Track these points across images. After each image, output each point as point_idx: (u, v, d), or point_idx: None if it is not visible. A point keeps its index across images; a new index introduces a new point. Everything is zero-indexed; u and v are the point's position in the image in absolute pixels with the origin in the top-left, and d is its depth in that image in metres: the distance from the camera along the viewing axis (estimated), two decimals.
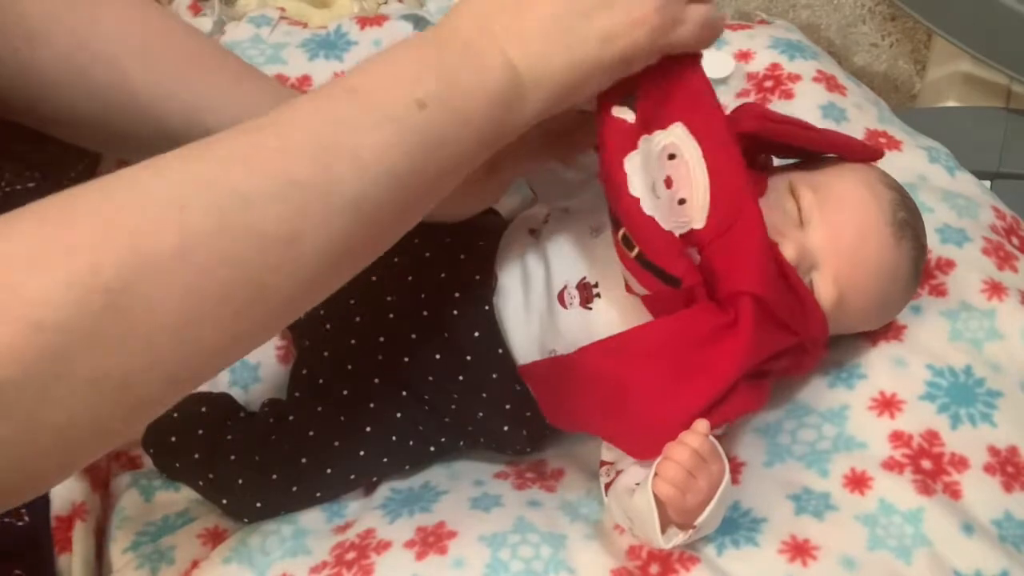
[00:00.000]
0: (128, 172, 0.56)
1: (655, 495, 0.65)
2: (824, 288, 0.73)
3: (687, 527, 0.66)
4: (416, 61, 0.60)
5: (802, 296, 0.71)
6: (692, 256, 0.68)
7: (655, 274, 0.67)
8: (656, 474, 0.65)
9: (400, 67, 0.60)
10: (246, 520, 0.76)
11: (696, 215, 0.67)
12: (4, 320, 0.47)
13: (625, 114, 0.66)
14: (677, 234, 0.67)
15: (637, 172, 0.67)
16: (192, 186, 0.53)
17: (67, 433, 0.50)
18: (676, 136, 0.67)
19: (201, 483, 0.77)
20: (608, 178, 0.67)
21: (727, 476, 0.66)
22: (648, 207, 0.66)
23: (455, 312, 0.75)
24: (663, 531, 0.66)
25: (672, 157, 0.68)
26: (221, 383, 0.83)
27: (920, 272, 0.77)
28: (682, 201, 0.68)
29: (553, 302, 0.74)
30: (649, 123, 0.67)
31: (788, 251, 0.71)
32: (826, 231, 0.72)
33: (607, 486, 0.71)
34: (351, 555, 0.71)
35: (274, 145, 0.55)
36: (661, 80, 0.66)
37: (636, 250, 0.67)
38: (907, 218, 0.74)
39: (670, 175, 0.68)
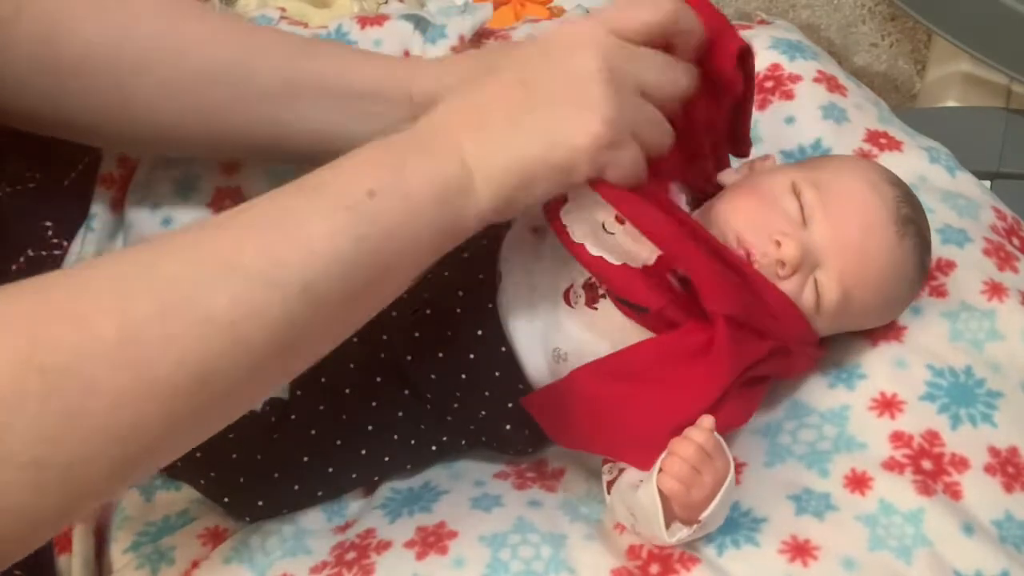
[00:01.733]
0: (73, 268, 0.60)
1: (660, 490, 0.65)
2: (828, 286, 0.73)
3: (691, 522, 0.66)
4: (373, 155, 0.62)
5: (773, 301, 0.72)
6: (673, 278, 0.70)
7: (626, 305, 0.70)
8: (661, 469, 0.65)
9: (357, 162, 0.61)
10: (247, 519, 0.76)
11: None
12: None
13: None
14: (649, 261, 0.70)
15: (575, 221, 0.70)
16: (134, 273, 0.54)
17: (6, 519, 0.49)
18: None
19: (202, 482, 0.77)
20: (554, 227, 0.71)
21: (732, 472, 0.66)
22: (594, 249, 0.70)
23: (458, 310, 0.76)
24: (667, 526, 0.66)
25: None
26: None
27: (926, 269, 0.77)
28: None
29: (559, 300, 0.75)
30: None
31: (790, 250, 0.71)
32: (829, 229, 0.73)
33: (609, 484, 0.71)
34: (351, 555, 0.71)
35: (220, 234, 0.57)
36: None
37: (604, 287, 0.71)
38: (911, 214, 0.75)
39: (618, 213, 0.69)
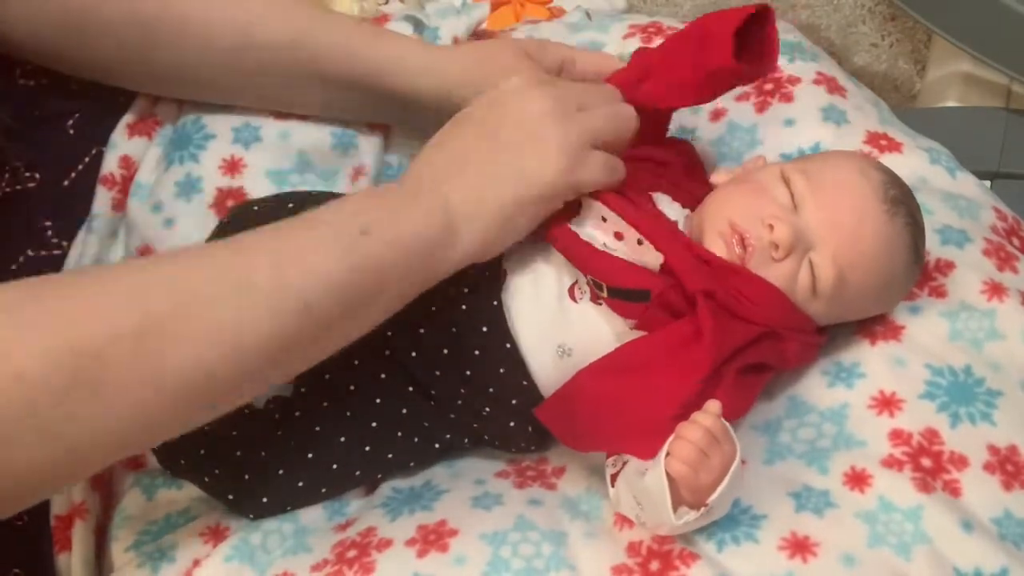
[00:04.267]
0: (103, 267, 0.73)
1: (668, 474, 0.65)
2: (823, 267, 0.74)
3: (699, 506, 0.66)
4: (366, 199, 0.72)
5: (750, 286, 0.74)
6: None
7: (627, 299, 0.73)
8: (669, 453, 0.66)
9: (352, 204, 0.71)
10: (251, 516, 0.76)
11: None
12: None
13: None
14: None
15: (582, 233, 0.75)
16: (155, 280, 0.63)
17: (24, 474, 0.58)
18: (592, 205, 0.76)
19: (206, 479, 0.77)
20: (559, 244, 0.75)
21: (739, 456, 0.67)
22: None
23: (463, 307, 0.76)
24: (674, 511, 0.66)
25: (605, 220, 0.76)
26: None
27: (921, 252, 0.78)
28: (640, 241, 0.74)
29: (564, 296, 0.76)
30: (571, 207, 0.76)
31: (782, 232, 0.73)
32: (820, 212, 0.75)
33: (614, 476, 0.71)
34: (352, 553, 0.71)
35: (234, 256, 0.65)
36: None
37: (605, 287, 0.73)
38: (899, 196, 0.76)
39: (615, 230, 0.75)
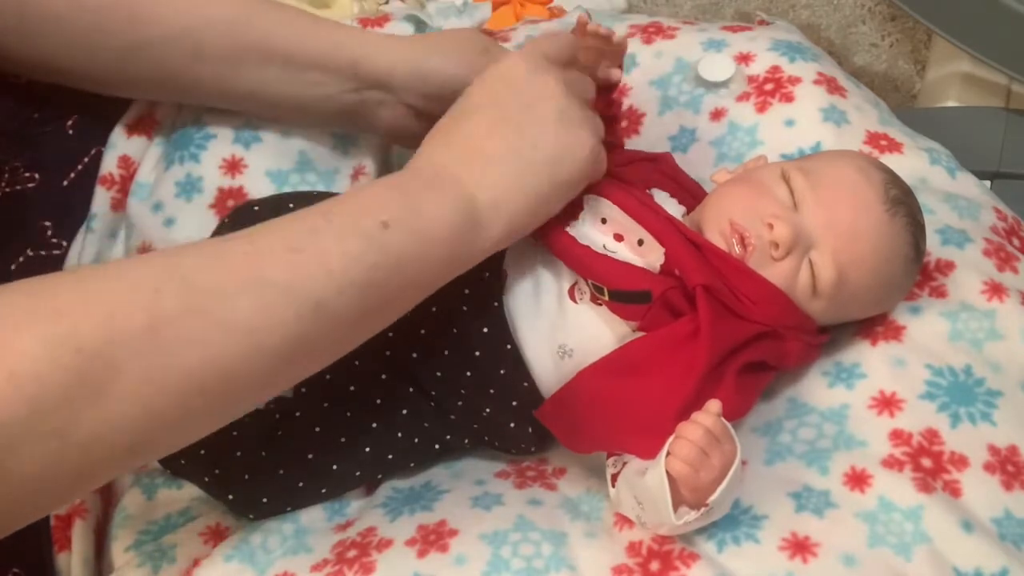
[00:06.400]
0: (109, 263, 0.67)
1: (668, 473, 0.65)
2: (823, 265, 0.74)
3: (699, 506, 0.66)
4: (383, 191, 0.67)
5: (750, 284, 0.74)
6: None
7: (629, 301, 0.73)
8: (669, 452, 0.66)
9: (369, 195, 0.67)
10: (251, 516, 0.76)
11: (658, 248, 0.74)
12: None
13: None
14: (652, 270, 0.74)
15: (580, 236, 0.75)
16: (166, 275, 0.58)
17: (26, 484, 0.53)
18: (595, 203, 0.77)
19: (207, 479, 0.77)
20: (557, 249, 0.75)
21: (739, 456, 0.67)
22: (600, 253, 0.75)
23: (464, 308, 0.76)
24: (674, 510, 0.66)
25: (604, 221, 0.76)
26: None
27: (921, 250, 0.78)
28: (641, 242, 0.75)
29: (564, 297, 0.76)
30: (571, 209, 0.75)
31: (782, 230, 0.73)
32: (820, 210, 0.75)
33: (614, 476, 0.71)
34: (352, 553, 0.71)
35: (247, 249, 0.61)
36: None
37: (606, 290, 0.73)
38: (900, 196, 0.76)
39: (615, 232, 0.76)
